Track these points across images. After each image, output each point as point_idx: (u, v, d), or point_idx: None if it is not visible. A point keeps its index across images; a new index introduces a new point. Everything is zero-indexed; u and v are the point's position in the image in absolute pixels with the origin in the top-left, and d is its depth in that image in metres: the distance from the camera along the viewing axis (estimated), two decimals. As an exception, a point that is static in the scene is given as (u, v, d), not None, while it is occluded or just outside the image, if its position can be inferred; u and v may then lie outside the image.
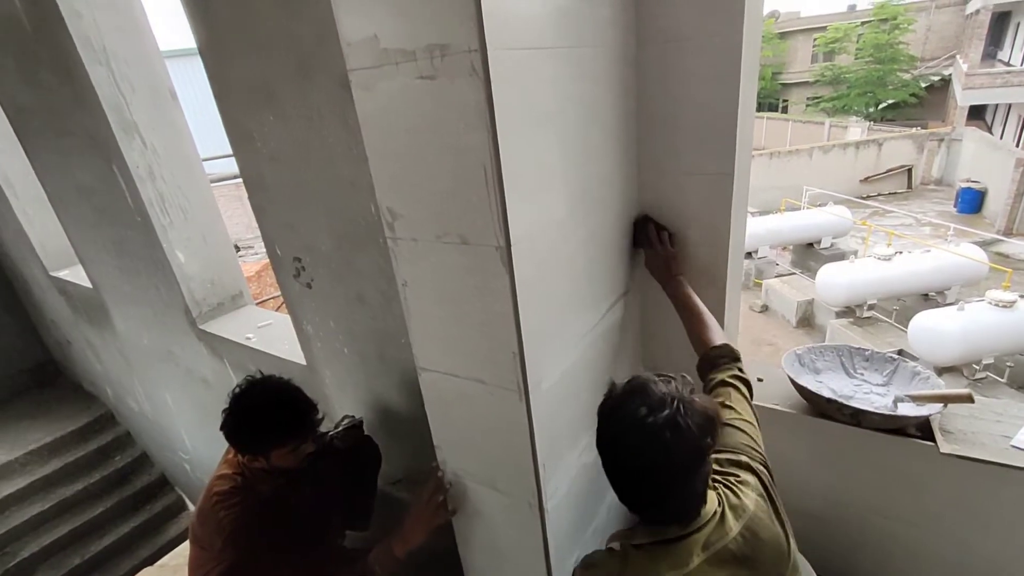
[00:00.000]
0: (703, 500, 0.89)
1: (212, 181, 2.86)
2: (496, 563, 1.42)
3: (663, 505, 0.88)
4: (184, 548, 2.43)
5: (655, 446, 0.81)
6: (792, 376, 1.45)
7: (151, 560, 2.49)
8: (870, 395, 1.44)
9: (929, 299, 9.01)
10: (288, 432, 1.35)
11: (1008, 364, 7.23)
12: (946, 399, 1.27)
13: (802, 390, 1.42)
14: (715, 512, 0.89)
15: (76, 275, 3.58)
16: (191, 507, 4.35)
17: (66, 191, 2.84)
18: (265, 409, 1.34)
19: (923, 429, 1.30)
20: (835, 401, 1.33)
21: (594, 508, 1.45)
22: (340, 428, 1.69)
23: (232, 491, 1.34)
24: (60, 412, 4.54)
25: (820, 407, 1.39)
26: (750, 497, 0.92)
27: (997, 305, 6.93)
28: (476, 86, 0.81)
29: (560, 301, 1.12)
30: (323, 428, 1.67)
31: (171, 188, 2.39)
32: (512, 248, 0.91)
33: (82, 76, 2.10)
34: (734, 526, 0.89)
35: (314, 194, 1.61)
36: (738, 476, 0.96)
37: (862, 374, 1.54)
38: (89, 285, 3.34)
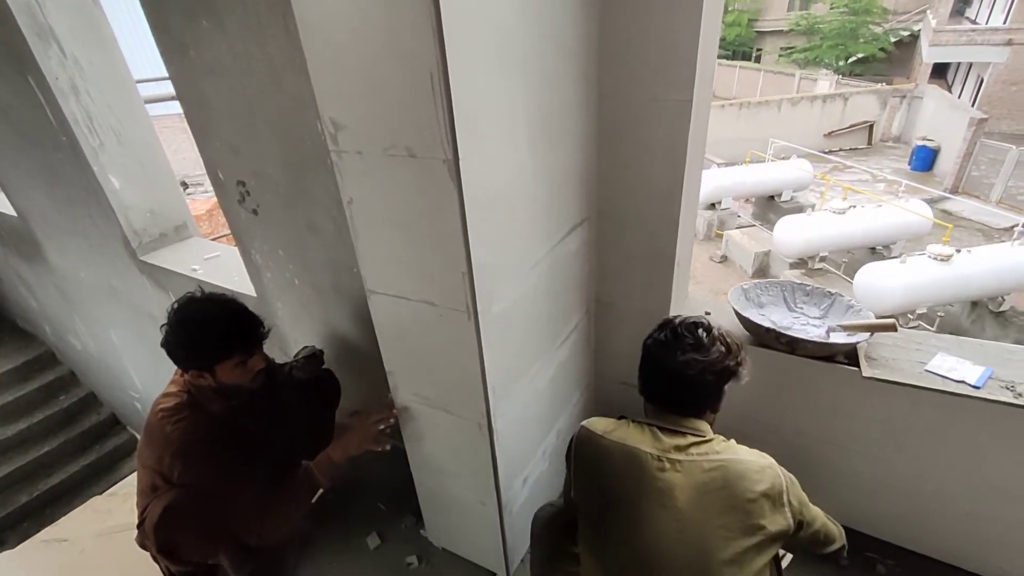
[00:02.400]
0: (701, 412, 1.05)
1: (148, 102, 2.62)
2: (447, 482, 1.47)
3: (673, 397, 1.04)
4: (133, 476, 2.42)
5: (686, 351, 1.00)
6: (737, 308, 1.51)
7: (102, 493, 2.47)
8: (807, 326, 1.52)
9: (876, 252, 9.46)
10: (233, 343, 1.29)
11: (939, 314, 7.78)
12: (872, 328, 1.35)
13: (745, 321, 1.47)
14: (709, 437, 1.02)
15: None
16: (146, 446, 4.30)
17: (-22, 106, 2.56)
18: (207, 320, 1.27)
19: (851, 357, 1.38)
20: (773, 330, 1.39)
21: (545, 431, 1.51)
22: (300, 358, 1.66)
23: (179, 407, 1.29)
24: (-4, 352, 4.32)
25: (760, 337, 1.46)
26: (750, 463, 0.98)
27: (936, 259, 7.36)
28: (420, -22, 0.74)
29: (513, 222, 1.10)
30: (282, 360, 1.65)
31: (99, 107, 2.18)
32: (461, 162, 0.87)
33: (-19, -33, 1.84)
34: (718, 457, 0.98)
35: (257, 111, 1.49)
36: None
37: (802, 308, 1.61)
38: (14, 214, 3.09)
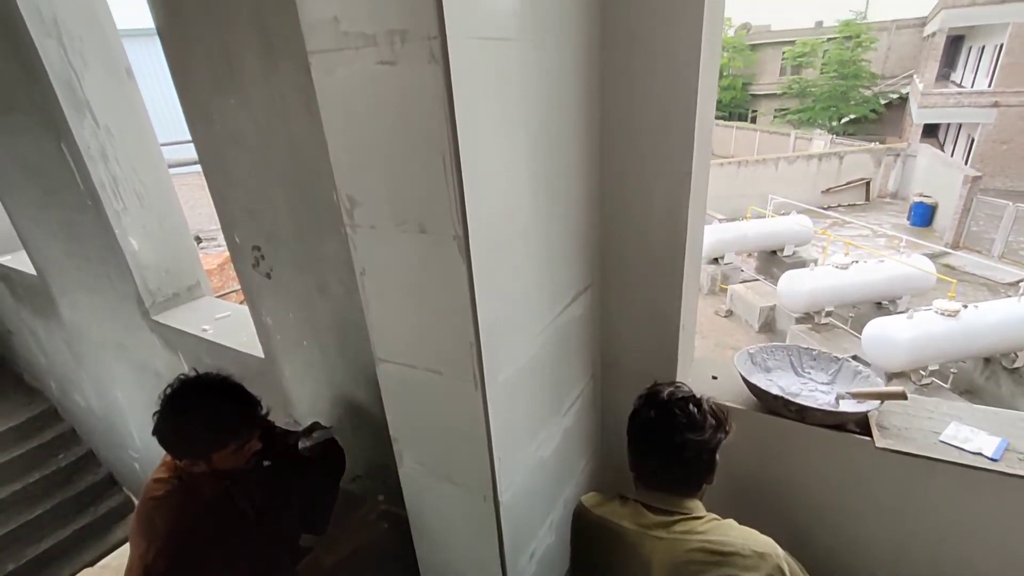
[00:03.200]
0: (693, 489, 1.03)
1: (171, 166, 2.75)
2: (451, 557, 1.41)
3: (672, 478, 1.03)
4: (125, 548, 2.34)
5: (683, 431, 0.98)
6: (744, 374, 1.50)
7: (94, 563, 2.37)
8: (815, 392, 1.50)
9: (882, 307, 9.44)
10: (230, 432, 1.24)
11: (952, 371, 7.64)
12: (882, 396, 1.34)
13: (752, 387, 1.46)
14: (698, 515, 1.00)
15: (20, 261, 3.39)
16: (141, 507, 4.18)
17: (11, 171, 2.69)
18: (202, 410, 1.22)
19: (862, 425, 1.36)
20: (781, 397, 1.38)
21: (551, 503, 1.46)
22: (313, 438, 1.55)
23: (169, 494, 1.22)
24: (0, 408, 4.30)
25: (769, 404, 1.44)
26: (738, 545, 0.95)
27: (943, 314, 7.31)
28: (435, 73, 0.81)
29: (519, 293, 1.13)
30: (290, 427, 1.62)
31: (126, 171, 2.30)
32: (470, 237, 0.91)
33: (30, 49, 1.99)
34: (702, 536, 0.96)
35: (276, 180, 1.57)
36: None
37: (809, 373, 1.60)
38: (34, 272, 3.17)
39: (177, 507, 1.21)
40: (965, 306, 7.46)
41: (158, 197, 2.44)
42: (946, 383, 7.59)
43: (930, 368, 7.49)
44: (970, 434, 1.29)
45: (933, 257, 10.45)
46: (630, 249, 1.46)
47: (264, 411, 1.33)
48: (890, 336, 7.25)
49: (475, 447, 1.11)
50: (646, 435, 1.03)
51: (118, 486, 4.19)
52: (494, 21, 0.91)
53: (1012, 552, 1.25)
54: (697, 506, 1.02)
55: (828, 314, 9.09)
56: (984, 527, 1.26)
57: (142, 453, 3.51)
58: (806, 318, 9.19)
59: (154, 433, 1.22)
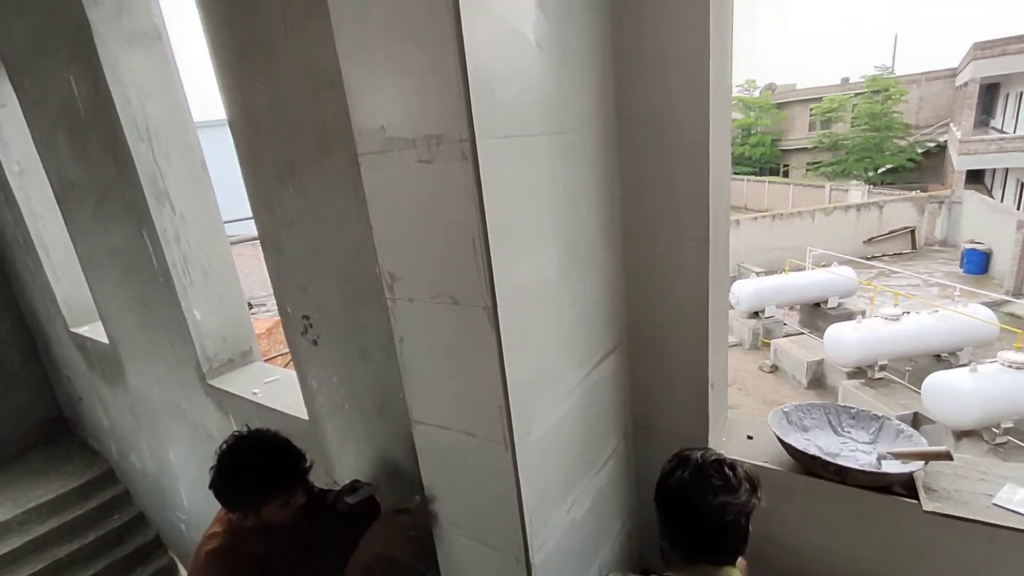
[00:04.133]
0: (731, 558, 1.01)
1: (231, 243, 3.05)
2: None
3: (712, 544, 1.00)
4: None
5: (718, 493, 0.97)
6: (779, 434, 1.49)
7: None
8: (855, 452, 1.46)
9: (942, 360, 8.86)
10: (278, 485, 1.35)
11: (1031, 428, 6.99)
12: (926, 456, 1.30)
13: (788, 448, 1.45)
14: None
15: (95, 332, 3.72)
16: (183, 571, 4.23)
17: (97, 253, 3.04)
18: (254, 464, 1.33)
19: (908, 487, 1.31)
20: (819, 458, 1.36)
21: (586, 566, 1.45)
22: (355, 496, 1.61)
23: (223, 550, 1.32)
24: (64, 469, 4.55)
25: (806, 465, 1.42)
26: None
27: (1011, 366, 6.80)
28: (466, 169, 0.94)
29: (547, 356, 1.20)
30: (327, 486, 1.70)
31: (194, 251, 2.57)
32: (498, 308, 1.01)
33: (125, 152, 2.33)
34: None
35: (325, 256, 1.74)
36: None
37: (849, 432, 1.57)
38: (106, 341, 3.47)
39: (231, 561, 1.30)
40: (1036, 358, 6.93)
41: (220, 271, 2.69)
42: (1025, 443, 6.93)
43: (1004, 426, 6.88)
44: (1025, 497, 1.23)
45: (994, 305, 9.85)
46: (655, 311, 1.53)
47: (308, 464, 1.43)
48: (953, 389, 6.77)
49: (506, 507, 1.15)
50: (680, 499, 1.01)
51: (164, 548, 4.29)
52: (517, 122, 1.06)
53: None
54: (735, 572, 1.01)
55: (882, 368, 8.59)
56: (1052, 600, 1.17)
57: (189, 515, 3.62)
58: (858, 373, 8.70)
59: (211, 486, 1.33)
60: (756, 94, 27.62)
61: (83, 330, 3.87)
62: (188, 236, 2.52)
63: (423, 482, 1.31)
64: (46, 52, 2.56)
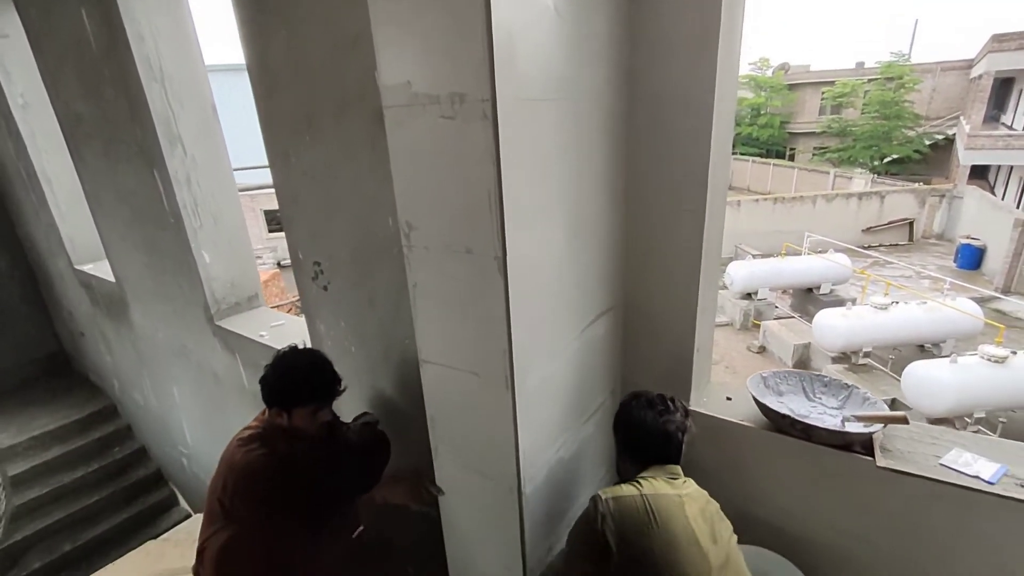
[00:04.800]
0: (679, 459, 1.33)
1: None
2: (475, 548, 1.56)
3: (662, 454, 1.31)
4: (188, 524, 2.56)
5: (662, 414, 1.32)
6: (756, 395, 1.61)
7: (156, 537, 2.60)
8: (824, 415, 1.59)
9: (925, 350, 9.10)
10: (315, 392, 1.55)
11: (1001, 419, 7.28)
12: (885, 419, 1.43)
13: (762, 407, 1.57)
14: (683, 477, 1.32)
15: (100, 270, 3.79)
16: (184, 503, 4.44)
17: (105, 192, 3.07)
18: (301, 368, 1.56)
19: (866, 447, 1.45)
20: (788, 417, 1.48)
21: (568, 502, 1.59)
22: (357, 423, 1.82)
23: (252, 438, 1.52)
24: (66, 401, 4.70)
25: (777, 423, 1.55)
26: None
27: (990, 360, 7.03)
28: (486, 128, 1.01)
29: (548, 308, 1.30)
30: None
31: (205, 195, 2.62)
32: (508, 259, 1.10)
33: (138, 92, 2.35)
34: (690, 485, 1.30)
35: (339, 207, 1.81)
36: None
37: (820, 398, 1.69)
38: (112, 279, 3.54)
39: (256, 450, 1.49)
40: (1014, 352, 7.15)
41: (229, 217, 2.75)
42: (995, 432, 7.22)
43: (976, 415, 7.16)
44: (971, 459, 1.37)
45: (982, 301, 10.04)
46: (649, 276, 1.62)
47: (343, 387, 1.60)
48: (932, 378, 7.00)
49: (503, 442, 1.27)
50: (634, 420, 1.32)
51: (164, 481, 4.49)
52: (536, 86, 1.12)
53: (1009, 573, 1.31)
54: (680, 471, 1.31)
55: (866, 355, 8.83)
56: (980, 548, 1.32)
57: (191, 450, 3.78)
58: (843, 358, 8.95)
59: (260, 381, 1.55)
60: (769, 73, 27.06)
61: (88, 268, 3.93)
62: (199, 179, 2.57)
63: (427, 417, 1.43)
64: (58, -17, 2.54)
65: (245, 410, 2.83)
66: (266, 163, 1.94)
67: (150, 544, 2.33)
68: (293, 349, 1.61)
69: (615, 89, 1.41)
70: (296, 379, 1.54)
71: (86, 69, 2.64)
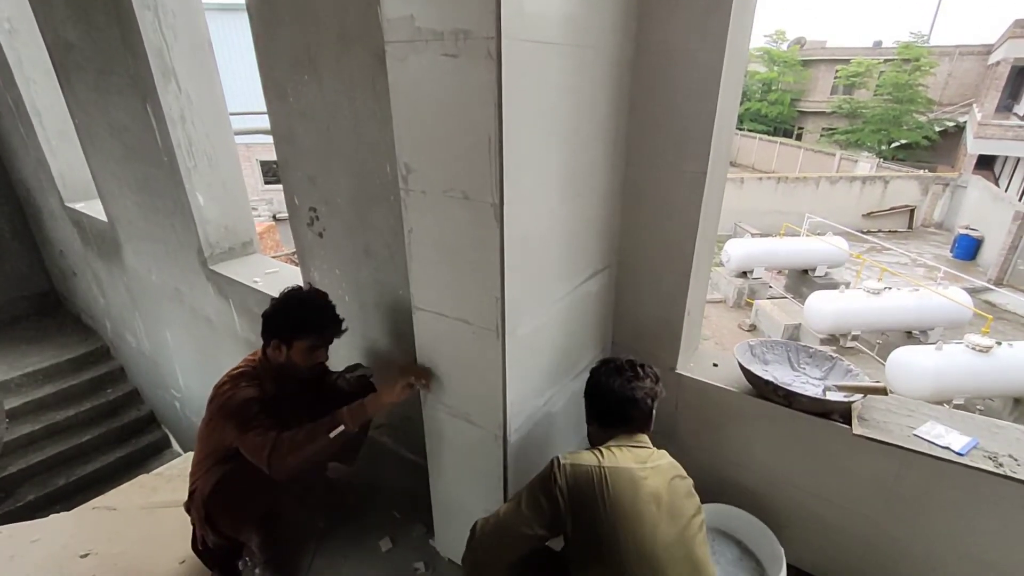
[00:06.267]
0: (647, 428, 1.31)
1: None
2: (460, 492, 1.60)
3: (628, 420, 1.28)
4: (180, 460, 2.62)
5: (631, 380, 1.28)
6: (742, 362, 1.64)
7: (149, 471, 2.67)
8: (806, 385, 1.63)
9: (912, 337, 9.24)
10: (318, 326, 1.56)
11: (978, 408, 7.46)
12: (864, 390, 1.46)
13: (747, 373, 1.60)
14: (651, 447, 1.29)
15: (92, 208, 3.73)
16: (176, 446, 4.52)
17: (97, 127, 2.99)
18: (308, 302, 1.59)
19: (845, 416, 1.48)
20: (771, 383, 1.51)
21: (550, 453, 1.63)
22: (352, 375, 1.78)
23: (241, 375, 1.53)
24: (58, 341, 4.71)
25: (760, 389, 1.58)
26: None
27: (974, 349, 7.16)
28: (490, 68, 0.98)
29: (542, 261, 1.30)
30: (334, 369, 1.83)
31: (199, 134, 2.55)
32: (504, 206, 1.08)
33: (131, 20, 2.25)
34: (661, 460, 1.25)
35: (337, 151, 1.77)
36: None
37: (804, 368, 1.72)
38: (104, 219, 3.50)
39: (243, 387, 1.49)
40: (999, 343, 7.27)
41: (224, 160, 2.69)
42: (969, 419, 7.42)
43: (955, 402, 7.34)
44: (943, 432, 1.40)
45: (974, 292, 10.14)
46: (646, 239, 1.62)
47: (344, 328, 1.61)
48: (915, 365, 7.14)
49: (492, 390, 1.29)
50: (603, 387, 1.29)
51: (157, 423, 4.56)
52: (543, 28, 1.08)
53: (971, 549, 1.36)
54: (648, 440, 1.29)
55: (855, 338, 8.96)
56: (949, 523, 1.37)
57: (183, 393, 3.83)
58: (831, 340, 9.08)
59: (263, 313, 1.56)
60: (784, 47, 26.31)
61: (79, 206, 3.86)
62: (193, 118, 2.50)
63: (418, 363, 1.44)
64: None
65: (238, 355, 2.84)
66: (261, 109, 1.89)
67: (143, 477, 2.39)
68: (299, 287, 1.64)
69: (622, 37, 1.36)
70: (304, 309, 1.57)
71: (76, -7, 2.53)
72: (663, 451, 1.28)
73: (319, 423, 1.44)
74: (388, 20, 1.09)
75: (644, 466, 1.19)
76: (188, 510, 1.59)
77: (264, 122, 1.90)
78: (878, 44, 24.24)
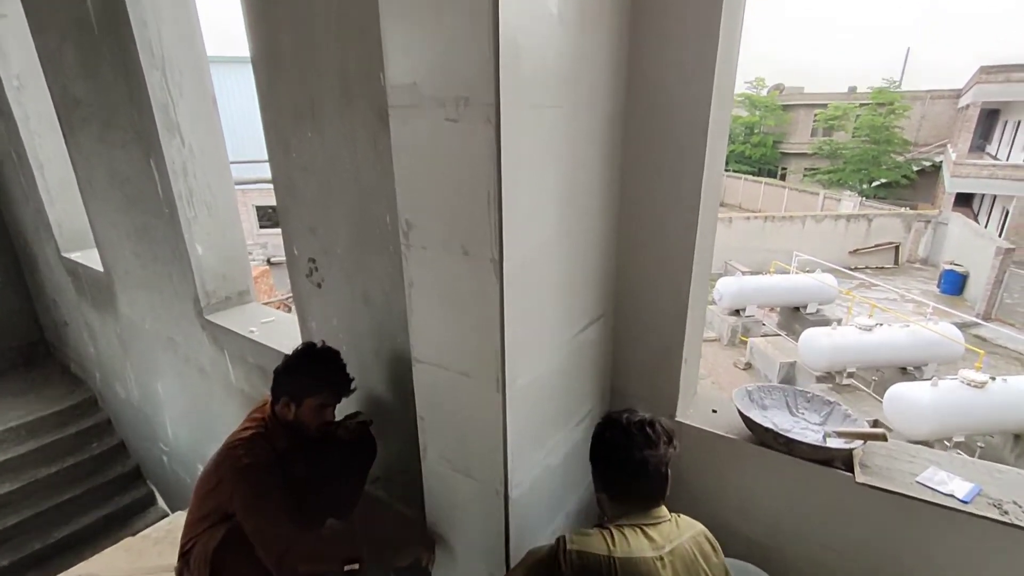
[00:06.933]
0: (662, 499, 1.18)
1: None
2: (460, 556, 1.55)
3: (642, 493, 1.16)
4: (168, 521, 2.52)
5: (642, 448, 1.14)
6: (741, 408, 1.64)
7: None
8: (806, 431, 1.62)
9: (907, 373, 9.25)
10: (329, 386, 1.59)
11: (979, 444, 7.41)
12: (864, 436, 1.45)
13: (747, 420, 1.60)
14: (669, 516, 1.18)
15: (88, 258, 3.74)
16: (162, 503, 4.35)
17: (98, 178, 3.04)
18: (322, 361, 1.62)
19: (847, 463, 1.47)
20: (771, 430, 1.51)
21: (556, 510, 1.60)
22: (352, 422, 1.80)
23: (252, 438, 1.52)
24: (44, 393, 4.60)
25: (760, 436, 1.57)
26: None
27: (969, 384, 7.17)
28: (489, 131, 1.03)
29: (541, 311, 1.32)
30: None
31: (201, 185, 2.60)
32: (504, 261, 1.11)
33: (138, 77, 2.34)
34: (683, 533, 1.15)
35: (337, 202, 1.81)
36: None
37: (803, 413, 1.72)
38: (100, 268, 3.50)
39: (255, 450, 1.48)
40: (993, 378, 7.29)
41: (224, 209, 2.74)
42: (973, 456, 7.33)
43: (955, 439, 7.28)
44: (946, 478, 1.40)
45: (963, 327, 10.24)
46: (641, 284, 1.65)
47: (354, 388, 1.64)
48: (912, 402, 7.12)
49: (492, 443, 1.28)
50: (611, 456, 1.18)
51: (143, 479, 4.40)
52: (538, 93, 1.14)
53: (981, 592, 1.33)
54: (665, 510, 1.17)
55: (850, 375, 8.96)
56: (953, 566, 1.35)
57: (172, 447, 3.72)
58: (827, 377, 9.07)
59: (275, 370, 1.58)
60: (764, 93, 27.53)
61: (75, 255, 3.87)
62: (195, 169, 2.55)
63: (417, 417, 1.43)
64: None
65: (230, 406, 2.81)
66: (259, 157, 1.94)
67: (128, 540, 2.28)
68: (313, 344, 1.67)
69: (614, 94, 1.43)
70: (318, 367, 1.59)
71: (86, 51, 2.62)
72: (684, 519, 1.16)
73: (337, 544, 1.49)
74: (392, 86, 1.15)
75: (661, 552, 1.08)
76: (180, 573, 1.52)
77: (263, 170, 1.95)
78: (852, 89, 25.42)
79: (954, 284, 14.11)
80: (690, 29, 1.35)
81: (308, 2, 1.63)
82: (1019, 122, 17.77)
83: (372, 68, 1.52)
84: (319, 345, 1.66)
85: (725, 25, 1.32)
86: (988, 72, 16.98)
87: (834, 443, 1.49)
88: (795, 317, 11.62)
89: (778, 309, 12.05)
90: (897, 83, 24.09)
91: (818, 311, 11.56)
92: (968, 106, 17.94)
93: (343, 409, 1.96)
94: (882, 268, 16.53)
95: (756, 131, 26.52)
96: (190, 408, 3.26)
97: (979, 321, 11.78)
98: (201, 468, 1.78)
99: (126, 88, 2.44)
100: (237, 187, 4.73)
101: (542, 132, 1.18)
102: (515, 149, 1.08)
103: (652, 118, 1.47)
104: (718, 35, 1.31)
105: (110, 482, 4.27)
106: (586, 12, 1.24)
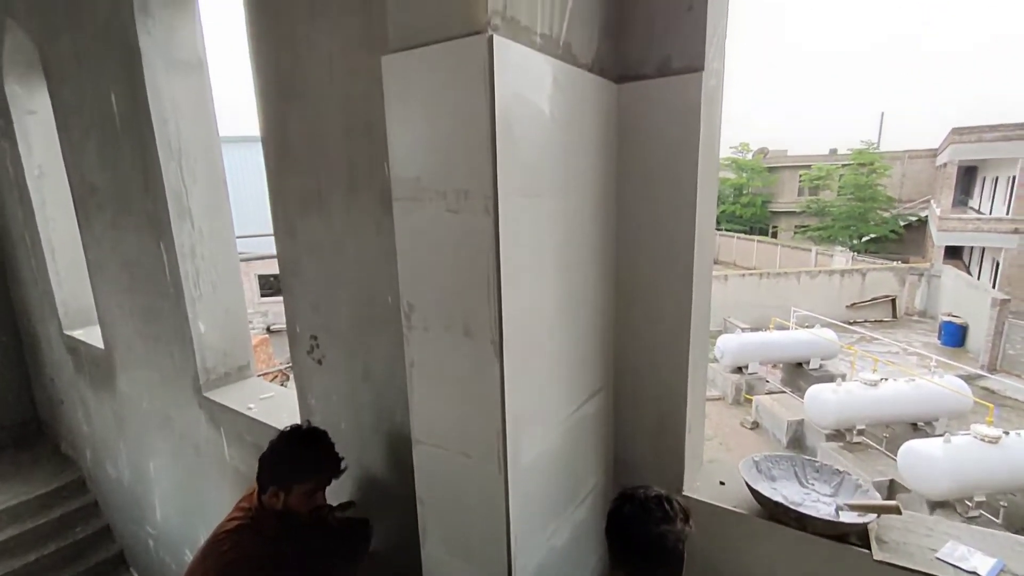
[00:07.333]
0: (680, 572, 1.17)
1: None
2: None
3: (658, 568, 1.15)
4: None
5: (660, 523, 1.14)
6: (749, 481, 1.60)
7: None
8: (817, 503, 1.58)
9: (918, 429, 9.03)
10: (317, 472, 1.55)
11: (1002, 504, 7.09)
12: (878, 509, 1.42)
13: (756, 494, 1.56)
14: None
15: (90, 335, 3.77)
16: (144, 591, 4.10)
17: (108, 260, 3.13)
18: (310, 444, 1.58)
19: (862, 537, 1.43)
20: (782, 505, 1.47)
21: (562, 596, 1.52)
22: (344, 514, 1.78)
23: (239, 528, 1.48)
24: (31, 475, 4.46)
25: (771, 511, 1.53)
26: None
27: (983, 440, 6.98)
28: (488, 221, 1.10)
29: (542, 388, 1.33)
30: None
31: (207, 265, 2.68)
32: (504, 342, 1.14)
33: (155, 169, 2.47)
34: None
35: (341, 283, 1.87)
36: None
37: (812, 484, 1.68)
38: (101, 346, 3.51)
39: (242, 542, 1.44)
40: (1007, 433, 7.11)
41: (228, 286, 2.80)
42: (997, 517, 7.01)
43: (976, 499, 6.98)
44: (967, 553, 1.35)
45: (969, 379, 10.11)
46: (639, 357, 1.66)
47: (343, 467, 1.60)
48: (926, 459, 6.90)
49: (494, 526, 1.25)
50: (628, 531, 1.17)
51: (126, 566, 4.17)
52: (534, 184, 1.22)
53: None
54: None
55: (860, 432, 8.73)
56: (986, 651, 1.27)
57: (159, 531, 3.56)
58: (837, 435, 8.83)
59: (261, 458, 1.53)
60: (748, 156, 28.78)
61: (77, 333, 3.90)
62: (203, 251, 2.64)
63: (417, 498, 1.40)
64: (91, 67, 2.74)
65: (223, 486, 2.72)
66: (262, 231, 2.02)
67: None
68: (299, 427, 1.63)
69: (603, 176, 1.52)
70: (304, 453, 1.55)
71: (107, 145, 2.79)
72: None
73: None
74: (396, 179, 1.23)
75: None
76: None
77: (267, 244, 2.02)
78: (833, 151, 26.67)
79: (954, 335, 14.09)
80: (672, 117, 1.45)
81: (320, 100, 1.77)
82: (996, 178, 18.51)
83: (378, 157, 1.63)
84: (305, 427, 1.63)
85: (705, 112, 1.43)
86: (960, 133, 17.91)
87: (847, 517, 1.45)
88: (798, 373, 11.49)
89: (780, 365, 11.94)
90: (875, 144, 25.29)
91: (821, 366, 11.45)
92: (946, 164, 18.75)
93: (340, 485, 1.92)
94: (881, 321, 16.56)
95: (744, 192, 27.49)
96: (181, 487, 3.16)
97: (984, 373, 11.65)
98: (189, 554, 1.71)
99: (142, 178, 2.58)
100: (241, 260, 4.83)
101: (538, 217, 1.25)
102: (513, 236, 1.14)
103: (642, 188, 1.53)
104: (699, 117, 1.42)
105: (92, 568, 4.05)
106: (575, 112, 1.35)
